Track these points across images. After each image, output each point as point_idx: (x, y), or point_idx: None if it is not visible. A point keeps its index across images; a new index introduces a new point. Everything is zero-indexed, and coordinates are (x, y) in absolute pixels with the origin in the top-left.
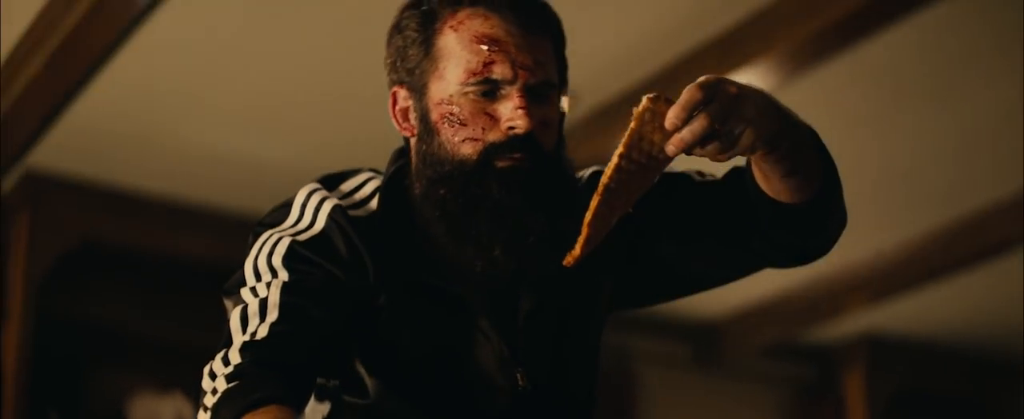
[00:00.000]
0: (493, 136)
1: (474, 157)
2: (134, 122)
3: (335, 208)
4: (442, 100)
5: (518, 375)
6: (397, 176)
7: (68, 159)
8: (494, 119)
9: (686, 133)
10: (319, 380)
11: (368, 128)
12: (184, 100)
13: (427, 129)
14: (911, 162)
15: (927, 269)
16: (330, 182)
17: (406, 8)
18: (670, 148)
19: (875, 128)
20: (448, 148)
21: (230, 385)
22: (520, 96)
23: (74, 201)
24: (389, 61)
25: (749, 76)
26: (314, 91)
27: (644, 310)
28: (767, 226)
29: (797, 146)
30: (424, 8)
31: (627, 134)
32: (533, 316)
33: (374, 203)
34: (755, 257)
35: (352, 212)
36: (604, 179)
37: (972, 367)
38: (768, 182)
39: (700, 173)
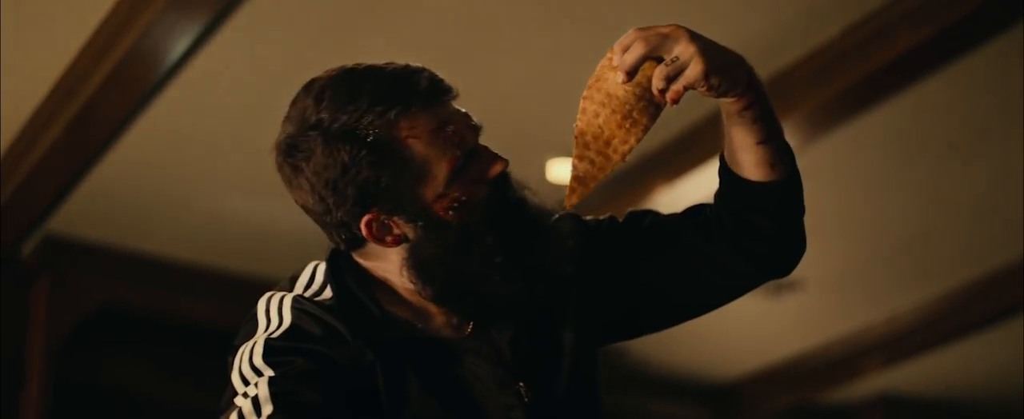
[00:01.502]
0: (483, 191)
1: (479, 213)
2: (153, 188)
3: (295, 299)
4: (437, 197)
5: (520, 389)
6: (338, 257)
7: (87, 225)
8: (480, 181)
9: (627, 55)
10: None
11: None
12: (203, 166)
13: (432, 226)
14: (926, 225)
15: (942, 331)
16: (284, 284)
17: (342, 153)
18: (619, 75)
19: (889, 191)
20: (456, 226)
21: None
22: (484, 146)
23: (93, 266)
24: (347, 207)
25: None
26: None
27: (663, 374)
28: (738, 214)
29: (770, 114)
30: (369, 140)
31: (589, 81)
32: (516, 338)
33: (329, 289)
34: (722, 267)
35: (313, 299)
36: (576, 122)
37: None
38: (742, 151)
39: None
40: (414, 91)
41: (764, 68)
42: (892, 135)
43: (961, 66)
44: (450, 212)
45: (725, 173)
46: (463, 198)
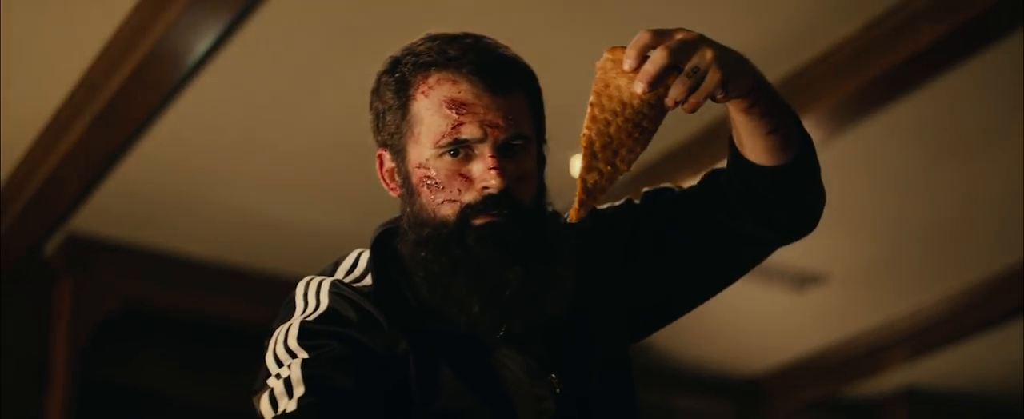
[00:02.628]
0: (469, 197)
1: (452, 218)
2: (176, 186)
3: (333, 283)
4: (420, 164)
5: (552, 380)
6: (381, 241)
7: (110, 223)
8: (469, 180)
9: (648, 65)
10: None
11: None
12: (225, 164)
13: (409, 191)
14: (950, 218)
15: (967, 324)
16: (326, 269)
17: (382, 74)
18: (638, 85)
19: (914, 184)
20: (429, 209)
21: None
22: (491, 155)
23: (116, 265)
24: (372, 126)
25: None
26: (353, 155)
27: (688, 368)
28: (755, 191)
29: (777, 104)
30: (397, 75)
31: (593, 83)
32: (548, 330)
33: (369, 277)
34: (747, 239)
35: (352, 285)
36: (584, 131)
37: None
38: (752, 141)
39: (680, 187)
40: (446, 55)
41: (788, 62)
42: (916, 128)
43: (985, 58)
44: (424, 186)
45: (738, 160)
46: (438, 182)
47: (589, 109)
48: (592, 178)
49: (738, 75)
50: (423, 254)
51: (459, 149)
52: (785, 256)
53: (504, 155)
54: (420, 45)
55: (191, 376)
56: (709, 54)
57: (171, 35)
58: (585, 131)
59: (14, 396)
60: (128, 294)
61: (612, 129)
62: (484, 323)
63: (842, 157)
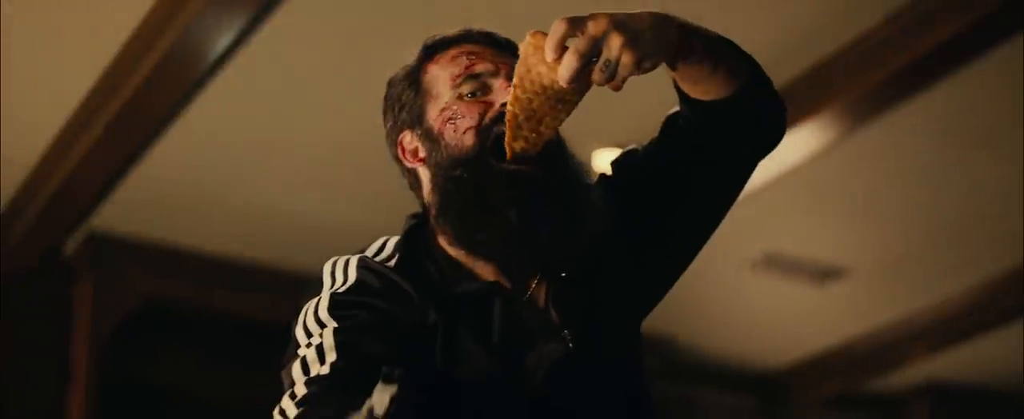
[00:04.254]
0: (491, 114)
1: (476, 142)
2: (196, 183)
3: (360, 258)
4: (440, 110)
5: (566, 336)
6: (414, 227)
7: (131, 221)
8: (488, 104)
9: (562, 70)
10: (384, 368)
11: None
12: (246, 161)
13: (433, 142)
14: (971, 211)
15: (989, 318)
16: (354, 252)
17: (392, 78)
18: (561, 79)
19: (936, 178)
20: (453, 143)
21: (300, 410)
22: (506, 79)
23: (136, 263)
24: (388, 125)
25: (810, 129)
26: (374, 152)
27: (710, 362)
28: (716, 126)
29: (710, 44)
30: (406, 68)
31: (516, 67)
32: (561, 289)
33: (396, 258)
34: (726, 166)
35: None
36: (508, 107)
37: None
38: (694, 86)
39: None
40: (447, 38)
41: (809, 57)
42: (936, 122)
43: (1005, 52)
44: (447, 126)
45: (689, 101)
46: (459, 116)
47: (512, 90)
48: (519, 145)
49: (654, 51)
50: (457, 173)
51: (476, 89)
52: (805, 251)
53: None
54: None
55: (212, 373)
56: (616, 41)
57: (191, 33)
58: (510, 107)
59: (36, 394)
60: (149, 292)
61: (535, 104)
62: (520, 235)
63: (863, 151)
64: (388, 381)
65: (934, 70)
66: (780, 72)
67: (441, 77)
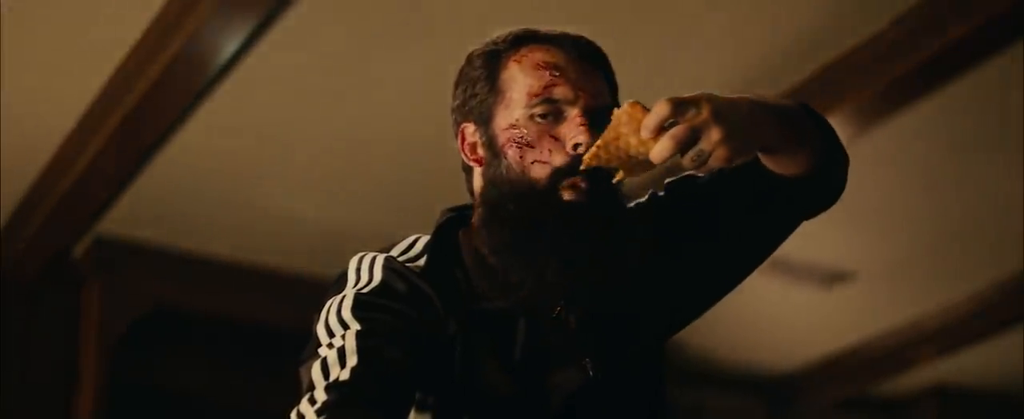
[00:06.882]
0: (559, 159)
1: (543, 180)
2: (205, 188)
3: (387, 259)
4: (508, 125)
5: (586, 364)
6: (446, 226)
7: (140, 225)
8: (558, 141)
9: (657, 152)
10: (418, 395)
11: (437, 193)
12: (255, 165)
13: (494, 155)
14: (979, 214)
15: (996, 320)
16: (381, 248)
17: (473, 51)
18: (653, 158)
19: (943, 181)
20: (516, 169)
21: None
22: (581, 115)
23: (146, 267)
24: (457, 103)
25: None
26: (384, 156)
27: (717, 366)
28: (786, 196)
29: (793, 129)
30: (490, 50)
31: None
32: (587, 315)
33: (424, 259)
34: (776, 221)
35: (405, 263)
36: (586, 158)
37: None
38: (778, 165)
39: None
40: (537, 33)
41: (814, 60)
42: (944, 126)
43: (1013, 55)
44: (512, 146)
45: (765, 173)
46: (529, 141)
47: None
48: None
49: (746, 151)
50: (511, 208)
51: (549, 113)
52: (813, 254)
53: (591, 122)
54: (497, 38)
55: (221, 378)
56: (716, 136)
57: (199, 36)
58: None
59: (44, 398)
60: (158, 296)
61: (614, 164)
62: (551, 288)
63: (870, 155)
64: (423, 409)
65: (942, 74)
66: (787, 76)
67: (519, 83)
